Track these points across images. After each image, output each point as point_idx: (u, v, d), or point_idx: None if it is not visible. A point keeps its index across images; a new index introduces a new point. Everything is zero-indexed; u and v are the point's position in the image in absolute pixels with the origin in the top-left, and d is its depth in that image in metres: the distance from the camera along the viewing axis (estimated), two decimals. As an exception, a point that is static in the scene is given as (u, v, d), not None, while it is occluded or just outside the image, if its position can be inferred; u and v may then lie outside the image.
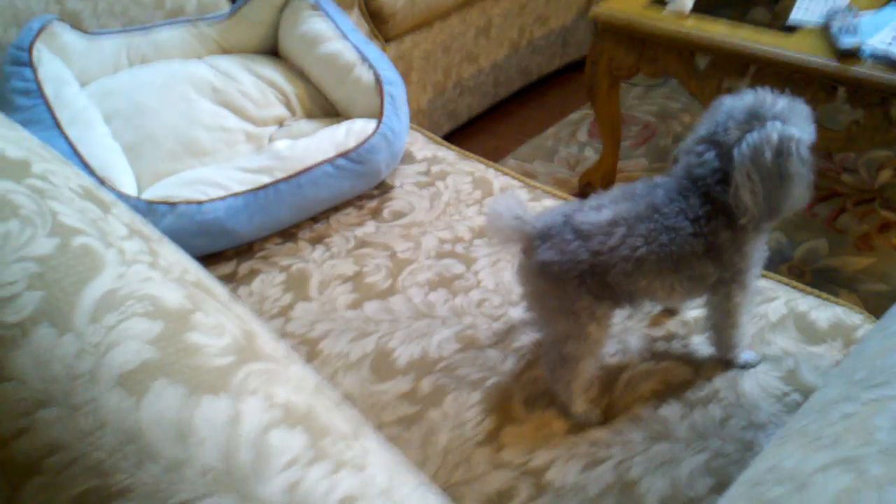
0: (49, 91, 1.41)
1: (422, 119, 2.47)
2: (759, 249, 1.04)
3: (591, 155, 2.51)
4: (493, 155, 2.57)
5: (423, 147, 1.63)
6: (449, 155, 1.60)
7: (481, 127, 2.73)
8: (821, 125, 1.77)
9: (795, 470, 0.68)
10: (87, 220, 0.71)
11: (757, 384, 1.09)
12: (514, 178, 1.54)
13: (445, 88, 2.51)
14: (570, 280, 1.00)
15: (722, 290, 1.06)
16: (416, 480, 0.73)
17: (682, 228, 0.98)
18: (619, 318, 1.20)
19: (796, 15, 1.86)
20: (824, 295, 1.24)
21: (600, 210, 1.01)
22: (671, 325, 1.20)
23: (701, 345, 1.17)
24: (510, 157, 2.57)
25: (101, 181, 1.30)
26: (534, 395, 1.11)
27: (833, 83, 1.74)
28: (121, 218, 0.76)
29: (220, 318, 0.68)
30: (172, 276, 0.70)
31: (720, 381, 1.10)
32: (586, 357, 1.05)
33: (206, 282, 0.76)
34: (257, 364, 0.66)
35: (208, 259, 1.40)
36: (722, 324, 1.09)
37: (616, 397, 1.10)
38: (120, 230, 0.72)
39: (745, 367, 1.12)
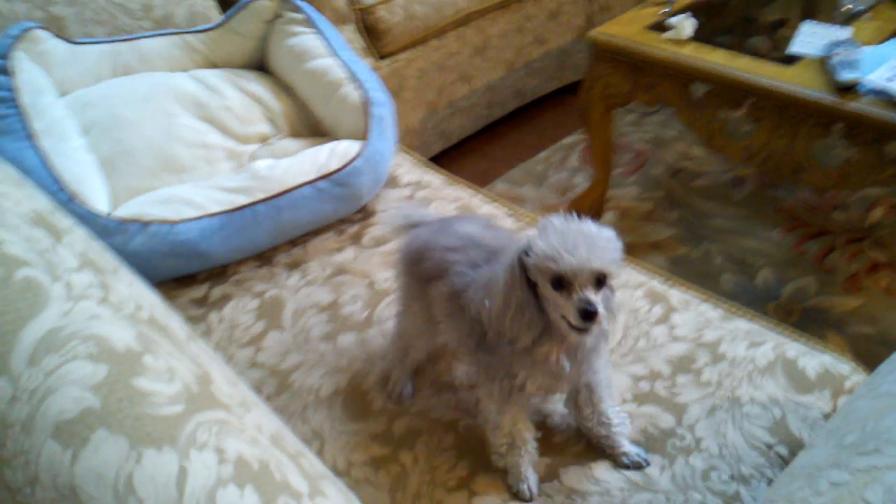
0: (25, 100, 1.36)
1: (412, 138, 2.43)
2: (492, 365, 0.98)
3: (581, 181, 2.47)
4: (483, 177, 2.54)
5: (410, 170, 1.58)
6: (435, 179, 1.56)
7: (472, 148, 2.69)
8: (814, 162, 1.75)
9: (782, 545, 0.64)
10: (34, 249, 0.66)
11: (741, 434, 1.04)
12: (501, 205, 1.49)
13: (438, 108, 2.47)
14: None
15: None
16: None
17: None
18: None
19: (796, 46, 1.83)
20: (813, 340, 1.20)
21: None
22: (655, 362, 1.16)
23: (686, 386, 1.12)
24: (500, 179, 2.53)
25: (72, 196, 1.26)
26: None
27: (829, 119, 1.71)
28: (73, 247, 0.71)
29: (171, 361, 0.64)
30: (124, 312, 0.66)
31: (703, 430, 1.05)
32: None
33: (162, 318, 0.71)
34: (209, 413, 0.62)
35: (180, 281, 1.35)
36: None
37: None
38: (69, 261, 0.68)
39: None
